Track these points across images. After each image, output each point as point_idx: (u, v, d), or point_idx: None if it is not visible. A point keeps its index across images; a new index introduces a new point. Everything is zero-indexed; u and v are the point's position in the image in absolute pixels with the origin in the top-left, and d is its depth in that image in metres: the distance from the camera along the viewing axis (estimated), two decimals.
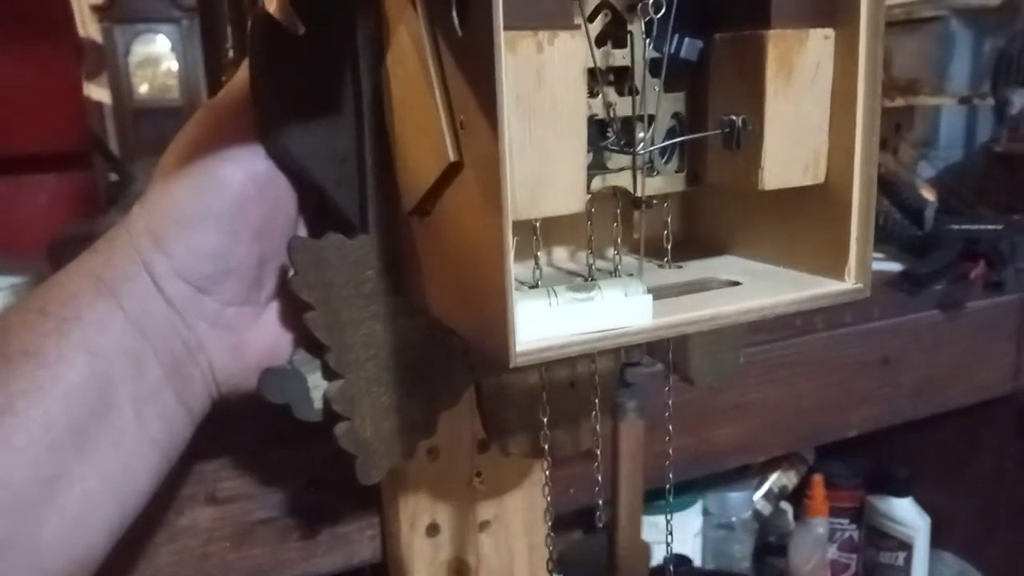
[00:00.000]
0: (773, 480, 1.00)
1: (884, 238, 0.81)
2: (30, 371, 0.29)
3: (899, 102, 0.80)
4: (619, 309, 0.25)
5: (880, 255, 0.81)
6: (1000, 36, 1.10)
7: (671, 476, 0.35)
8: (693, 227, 0.36)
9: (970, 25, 1.08)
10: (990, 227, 0.73)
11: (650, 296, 0.25)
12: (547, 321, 0.24)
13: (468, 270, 0.25)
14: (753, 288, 0.29)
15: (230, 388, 0.35)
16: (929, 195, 0.86)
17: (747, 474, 0.94)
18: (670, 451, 0.35)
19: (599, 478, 0.37)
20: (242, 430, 0.45)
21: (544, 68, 0.23)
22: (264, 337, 0.35)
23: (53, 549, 0.29)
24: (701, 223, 0.36)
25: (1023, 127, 1.01)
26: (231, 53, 0.82)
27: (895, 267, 0.75)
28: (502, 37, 0.21)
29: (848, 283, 0.29)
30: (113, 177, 0.86)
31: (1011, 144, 1.00)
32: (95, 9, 1.60)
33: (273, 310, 0.35)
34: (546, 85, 0.23)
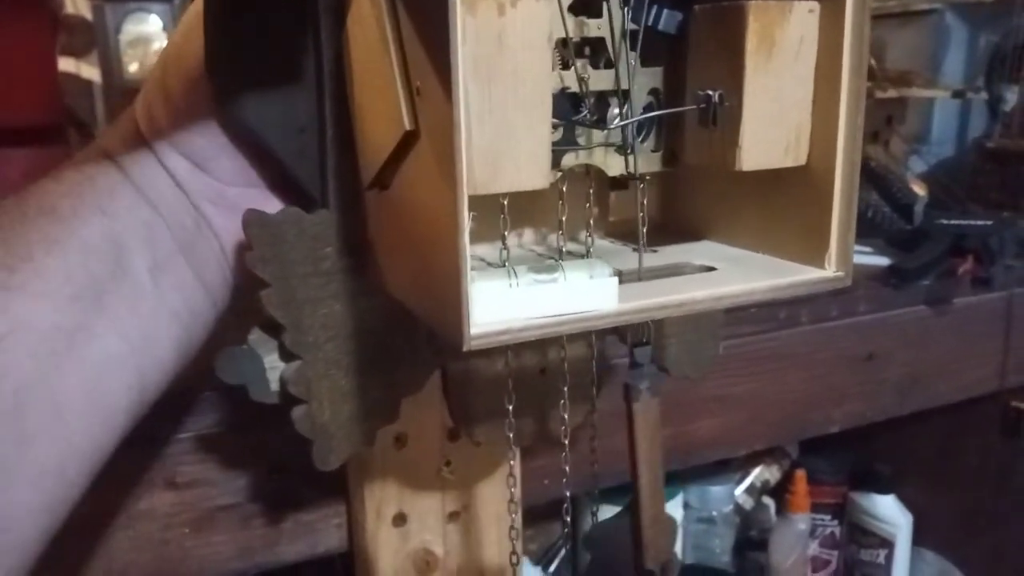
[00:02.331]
0: (755, 474, 0.99)
1: (872, 232, 0.80)
2: (46, 224, 0.29)
3: (891, 93, 0.79)
4: (583, 292, 0.23)
5: (868, 249, 0.80)
6: (995, 31, 1.08)
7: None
8: (671, 211, 0.35)
9: (965, 19, 1.07)
10: (980, 223, 0.72)
11: (616, 279, 0.24)
12: (506, 303, 0.23)
13: (425, 248, 0.24)
14: (728, 274, 0.27)
15: (238, 273, 0.34)
16: (920, 190, 0.85)
17: (729, 468, 0.93)
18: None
19: (566, 468, 0.36)
20: (203, 413, 0.43)
21: (505, 32, 0.21)
22: None
23: (74, 403, 0.29)
24: (679, 207, 0.34)
25: (1016, 124, 1.00)
26: None
27: (883, 261, 0.73)
28: None
29: (828, 271, 0.27)
30: None
31: (1003, 140, 0.99)
32: None
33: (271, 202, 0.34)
34: (507, 51, 0.22)
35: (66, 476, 0.29)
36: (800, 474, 0.94)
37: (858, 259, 0.77)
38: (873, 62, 0.84)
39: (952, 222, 0.73)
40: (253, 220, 0.30)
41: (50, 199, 0.30)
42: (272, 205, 0.33)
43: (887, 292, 0.67)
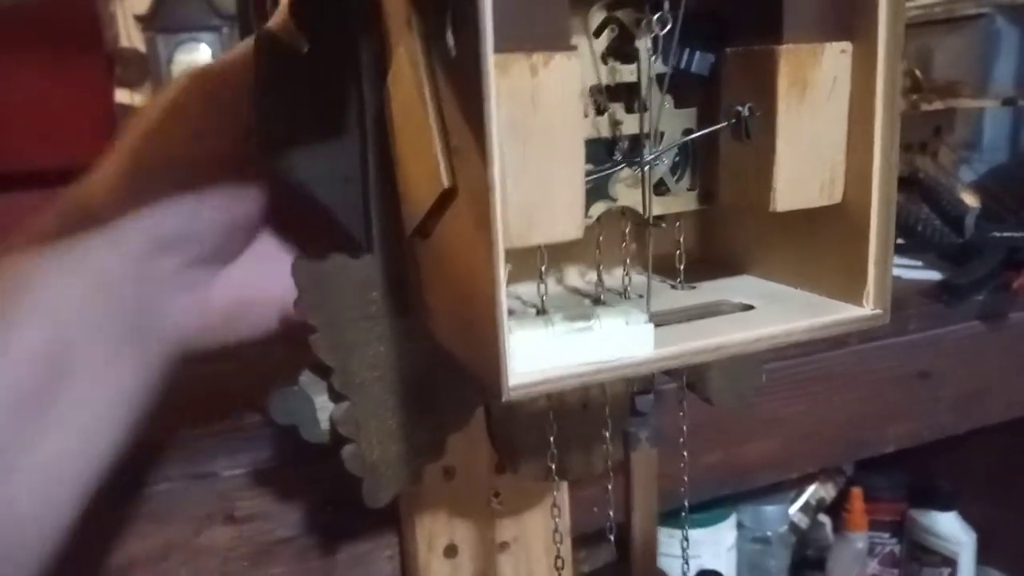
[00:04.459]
0: (810, 492, 0.97)
1: (922, 246, 0.79)
2: None
3: (937, 105, 0.77)
4: (619, 339, 0.24)
5: (918, 263, 0.78)
6: None
7: (687, 504, 0.34)
8: (709, 245, 0.35)
9: (1016, 22, 1.04)
10: None
11: (651, 325, 0.24)
12: (543, 352, 0.23)
13: (464, 297, 0.25)
14: (765, 314, 0.28)
15: (199, 346, 0.35)
16: (971, 200, 0.83)
17: (783, 486, 0.92)
18: (685, 478, 0.34)
19: (610, 498, 0.36)
20: (259, 448, 0.45)
21: (539, 92, 0.22)
22: (228, 293, 0.34)
23: (28, 500, 0.29)
24: (717, 241, 0.35)
25: None
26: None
27: (934, 276, 0.72)
28: (491, 60, 0.21)
29: (866, 309, 0.27)
30: None
31: None
32: (138, 19, 1.64)
33: (238, 265, 0.34)
34: (541, 109, 0.22)
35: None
36: (856, 491, 0.92)
37: (908, 274, 0.76)
38: (919, 73, 0.83)
39: (1005, 234, 0.71)
40: (301, 268, 0.31)
41: None
42: (229, 276, 0.34)
43: (939, 309, 0.66)
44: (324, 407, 0.33)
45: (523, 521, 0.46)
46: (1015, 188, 0.95)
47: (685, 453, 0.33)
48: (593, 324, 0.24)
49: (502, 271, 0.21)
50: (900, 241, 0.82)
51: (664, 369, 0.24)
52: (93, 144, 0.83)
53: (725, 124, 0.28)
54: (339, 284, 0.31)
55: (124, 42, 1.35)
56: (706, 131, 0.29)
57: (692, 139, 0.29)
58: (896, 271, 0.77)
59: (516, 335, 0.23)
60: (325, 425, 0.33)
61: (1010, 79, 1.06)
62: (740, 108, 0.27)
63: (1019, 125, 1.07)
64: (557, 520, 0.37)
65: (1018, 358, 0.68)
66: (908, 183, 0.85)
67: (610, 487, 0.37)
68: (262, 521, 0.45)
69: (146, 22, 1.58)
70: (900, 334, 0.64)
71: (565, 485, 0.46)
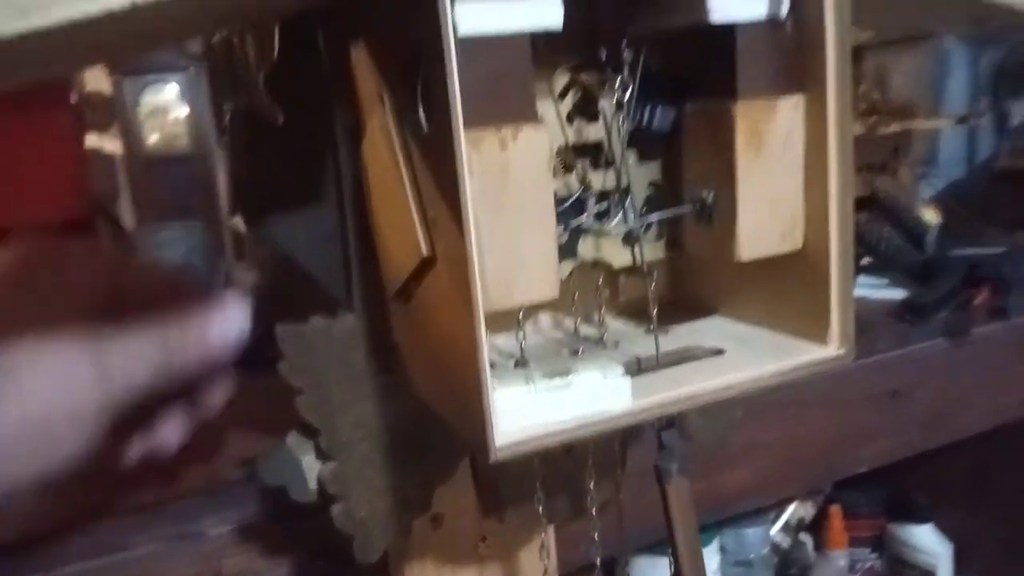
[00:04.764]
0: (790, 512, 0.99)
1: (886, 264, 0.81)
2: None
3: (895, 128, 0.80)
4: (597, 393, 0.25)
5: (883, 282, 0.80)
6: (997, 48, 1.09)
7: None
8: (679, 287, 0.36)
9: (966, 41, 1.08)
10: (993, 251, 0.72)
11: (628, 379, 0.25)
12: (525, 409, 0.24)
13: (447, 360, 0.25)
14: (735, 358, 0.29)
15: None
16: (931, 217, 0.86)
17: (763, 507, 0.93)
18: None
19: (595, 536, 0.37)
20: (244, 504, 0.45)
21: (509, 163, 0.23)
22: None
23: None
24: (687, 284, 0.36)
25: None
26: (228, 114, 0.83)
27: (899, 294, 0.74)
28: (463, 137, 0.22)
29: (831, 350, 0.28)
30: None
31: (1012, 159, 0.99)
32: None
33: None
34: (512, 180, 0.23)
35: None
36: (835, 509, 0.93)
37: (874, 293, 0.78)
38: (876, 96, 0.86)
39: (964, 252, 0.74)
40: (285, 332, 0.32)
41: None
42: None
43: (905, 328, 0.68)
44: (311, 467, 0.34)
45: (511, 563, 0.47)
46: (972, 202, 0.98)
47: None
48: (572, 379, 0.25)
49: (483, 338, 0.22)
50: (865, 260, 0.85)
51: (642, 421, 0.25)
52: (65, 201, 0.83)
53: (688, 208, 0.29)
54: (322, 345, 0.32)
55: (90, 86, 1.34)
56: (669, 213, 0.30)
57: (659, 218, 0.30)
58: (862, 291, 0.79)
59: (499, 393, 0.24)
60: (313, 485, 0.34)
61: (963, 94, 1.10)
62: (704, 194, 0.28)
63: (973, 141, 1.11)
64: (546, 562, 0.37)
65: (983, 372, 0.70)
66: (869, 203, 0.88)
67: (593, 525, 0.37)
68: None
69: (112, 65, 1.58)
70: (869, 354, 0.65)
71: (551, 526, 0.47)
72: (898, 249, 0.80)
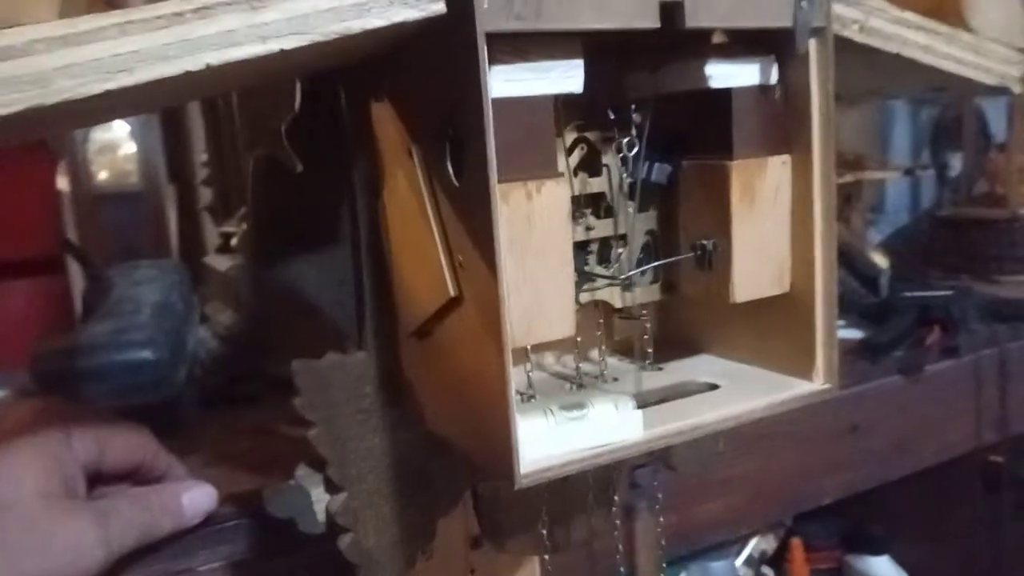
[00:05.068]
0: (752, 546, 1.01)
1: (843, 306, 0.85)
2: None
3: (848, 178, 0.85)
4: (611, 424, 0.27)
5: (841, 322, 0.84)
6: (935, 104, 1.16)
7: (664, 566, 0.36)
8: (669, 325, 0.38)
9: (905, 99, 1.15)
10: (941, 293, 0.77)
11: (639, 412, 0.27)
12: (546, 440, 0.26)
13: (469, 392, 0.27)
14: (730, 392, 0.31)
15: None
16: (881, 261, 0.91)
17: (726, 541, 0.95)
18: (662, 541, 0.36)
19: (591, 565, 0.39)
20: (235, 540, 0.45)
21: (534, 214, 0.25)
22: None
23: None
24: (676, 323, 0.38)
25: (963, 189, 1.07)
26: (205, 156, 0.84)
27: (856, 334, 0.78)
28: (497, 191, 0.24)
29: (817, 384, 0.31)
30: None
31: (953, 208, 1.05)
32: None
33: None
34: (536, 229, 0.26)
35: None
36: (796, 542, 0.96)
37: None
38: None
39: (916, 294, 0.78)
40: (301, 368, 0.33)
41: None
42: None
43: (863, 366, 0.72)
44: (320, 499, 0.35)
45: None
46: (918, 246, 1.03)
47: (661, 519, 0.36)
48: (587, 412, 0.27)
49: (511, 373, 0.24)
50: None
51: (652, 450, 0.27)
52: (35, 238, 0.83)
53: (691, 255, 0.31)
54: (335, 380, 0.33)
55: None
56: (670, 260, 0.33)
57: (661, 264, 0.33)
58: None
59: (521, 426, 0.26)
60: (322, 517, 0.35)
61: (906, 149, 1.17)
62: (705, 243, 0.31)
63: (918, 188, 1.18)
64: None
65: (937, 406, 0.74)
66: None
67: (590, 554, 0.39)
68: None
69: None
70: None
71: (537, 560, 0.48)
72: (854, 292, 0.84)
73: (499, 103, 0.24)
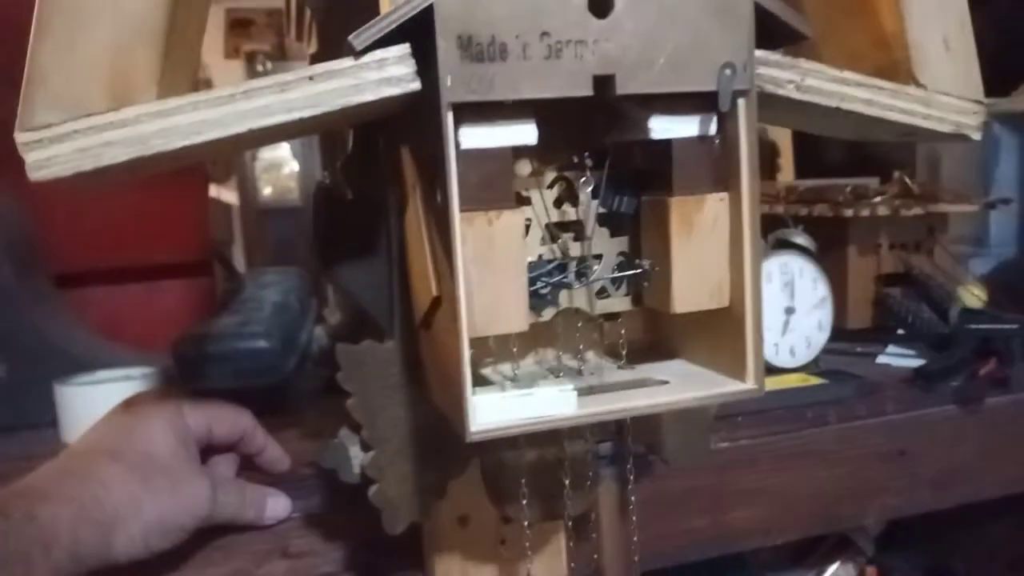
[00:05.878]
0: (831, 573, 1.02)
1: (914, 336, 0.87)
2: None
3: (916, 211, 0.87)
4: (551, 401, 0.34)
5: (910, 352, 0.86)
6: None
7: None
8: (653, 335, 0.45)
9: (1013, 127, 1.14)
10: (1007, 326, 0.78)
11: (575, 393, 0.35)
12: (497, 409, 0.34)
13: (448, 370, 0.36)
14: (672, 387, 0.38)
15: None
16: (980, 294, 0.91)
17: (804, 564, 0.98)
18: (635, 539, 0.43)
19: (570, 545, 0.45)
20: (310, 495, 0.55)
21: (493, 236, 0.34)
22: None
23: None
24: (659, 332, 0.45)
25: None
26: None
27: (920, 363, 0.80)
28: (458, 217, 0.32)
29: (747, 384, 0.37)
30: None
31: None
32: None
33: None
34: (496, 247, 0.34)
35: None
36: (871, 572, 0.97)
37: (898, 361, 0.84)
38: (908, 180, 0.92)
39: (981, 326, 0.79)
40: (343, 351, 0.42)
41: None
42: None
43: (917, 393, 0.74)
44: (356, 455, 0.44)
45: (528, 567, 0.56)
46: (1018, 281, 1.02)
47: (635, 518, 0.42)
48: (534, 391, 0.34)
49: (467, 353, 0.32)
50: (900, 332, 0.91)
51: (581, 423, 0.35)
52: (190, 245, 0.97)
53: (633, 273, 0.39)
54: (370, 362, 0.43)
55: None
56: (622, 275, 0.40)
57: (609, 278, 0.40)
58: (888, 359, 0.86)
59: (478, 396, 0.34)
60: (357, 470, 0.44)
61: (1012, 180, 1.15)
62: (644, 264, 0.38)
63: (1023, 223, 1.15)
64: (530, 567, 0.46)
65: (995, 439, 0.74)
66: (904, 279, 0.94)
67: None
68: (311, 557, 0.55)
69: None
70: (877, 415, 0.71)
71: (563, 535, 0.55)
72: (924, 323, 0.86)
73: (466, 153, 0.33)
